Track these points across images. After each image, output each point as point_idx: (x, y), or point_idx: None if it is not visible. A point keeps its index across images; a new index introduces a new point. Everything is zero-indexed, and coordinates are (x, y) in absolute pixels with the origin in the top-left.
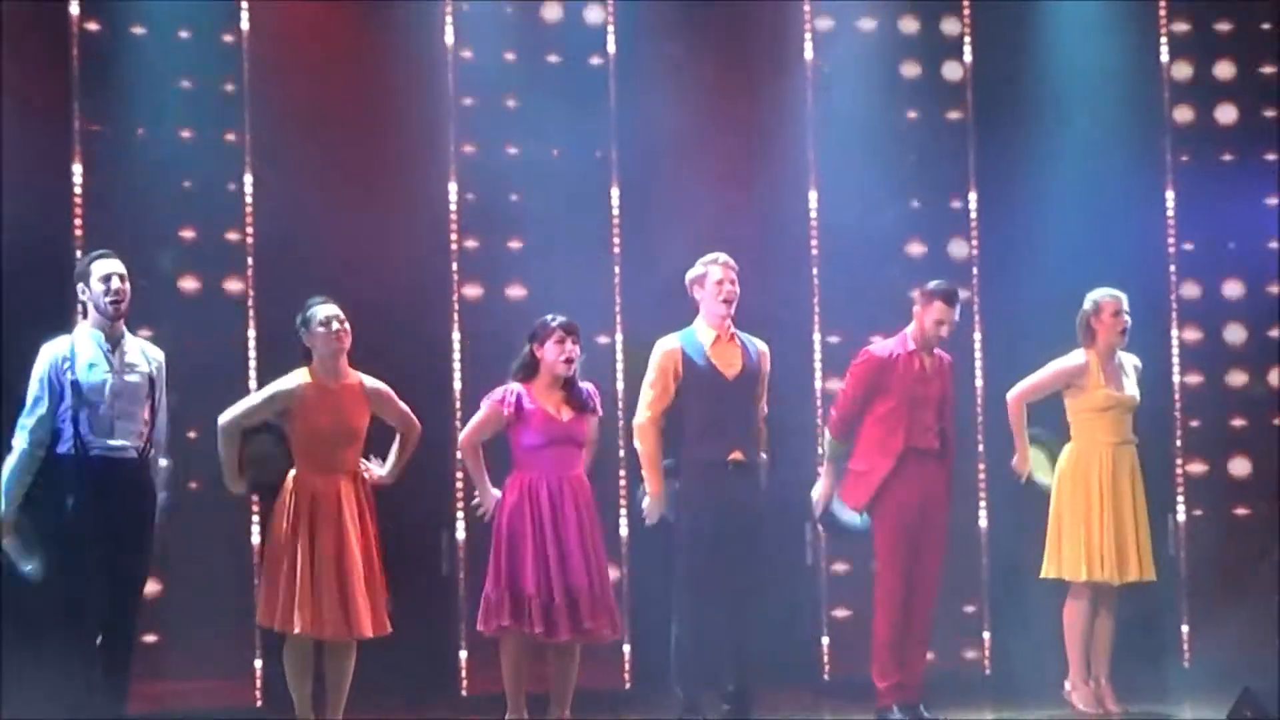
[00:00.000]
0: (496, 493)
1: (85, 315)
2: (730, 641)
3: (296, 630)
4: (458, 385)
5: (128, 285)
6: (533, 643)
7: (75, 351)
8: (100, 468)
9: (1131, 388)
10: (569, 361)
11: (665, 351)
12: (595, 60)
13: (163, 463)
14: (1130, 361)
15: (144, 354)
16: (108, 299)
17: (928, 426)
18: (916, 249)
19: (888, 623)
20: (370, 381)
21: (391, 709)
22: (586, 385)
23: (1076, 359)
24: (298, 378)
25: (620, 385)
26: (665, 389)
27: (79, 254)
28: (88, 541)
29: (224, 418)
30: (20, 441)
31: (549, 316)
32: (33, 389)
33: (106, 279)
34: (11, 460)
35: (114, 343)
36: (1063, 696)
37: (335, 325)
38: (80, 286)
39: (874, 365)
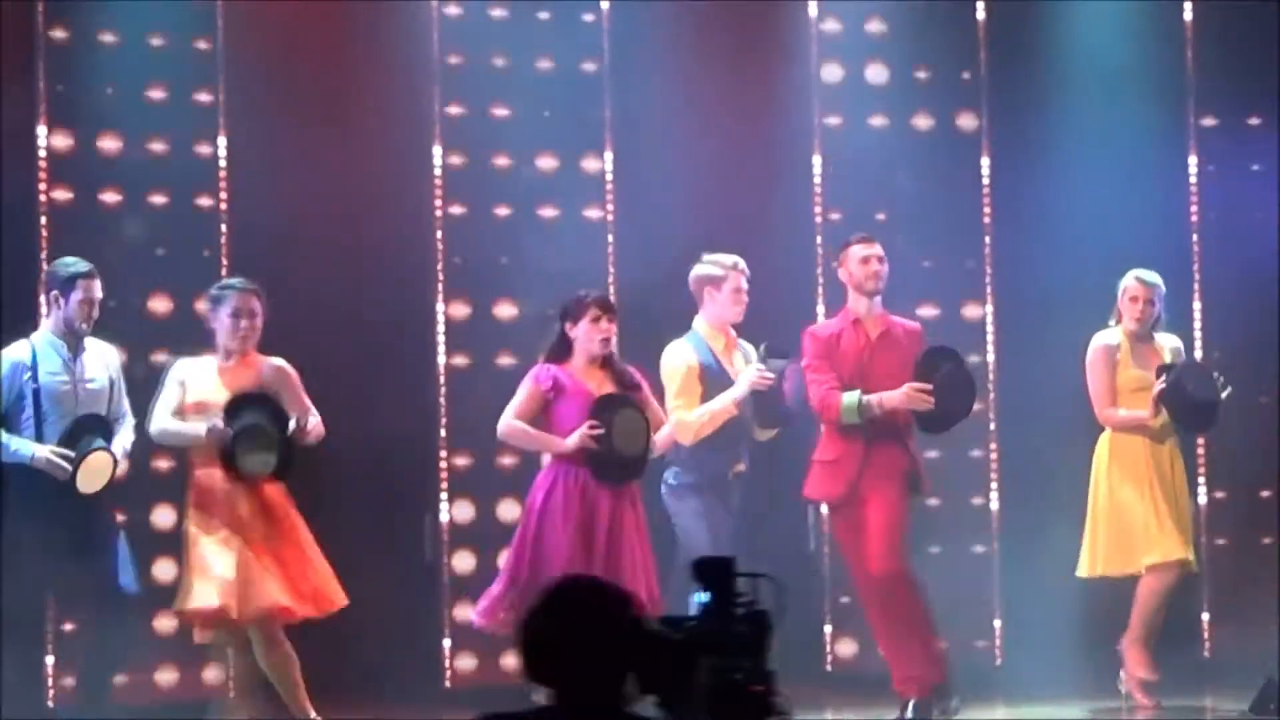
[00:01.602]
0: (569, 442)
1: (48, 315)
2: None
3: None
4: (441, 360)
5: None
6: None
7: (37, 359)
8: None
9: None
10: (605, 340)
11: (689, 365)
12: (588, 17)
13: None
14: (1169, 344)
15: (103, 359)
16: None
17: None
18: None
19: None
20: (274, 362)
21: (369, 701)
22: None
23: (1106, 338)
24: (197, 361)
25: None
26: (696, 395)
27: (44, 220)
28: (51, 552)
29: (154, 427)
30: None
31: (583, 292)
32: None
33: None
34: None
35: (75, 351)
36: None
37: (243, 323)
38: (55, 294)
39: (820, 342)
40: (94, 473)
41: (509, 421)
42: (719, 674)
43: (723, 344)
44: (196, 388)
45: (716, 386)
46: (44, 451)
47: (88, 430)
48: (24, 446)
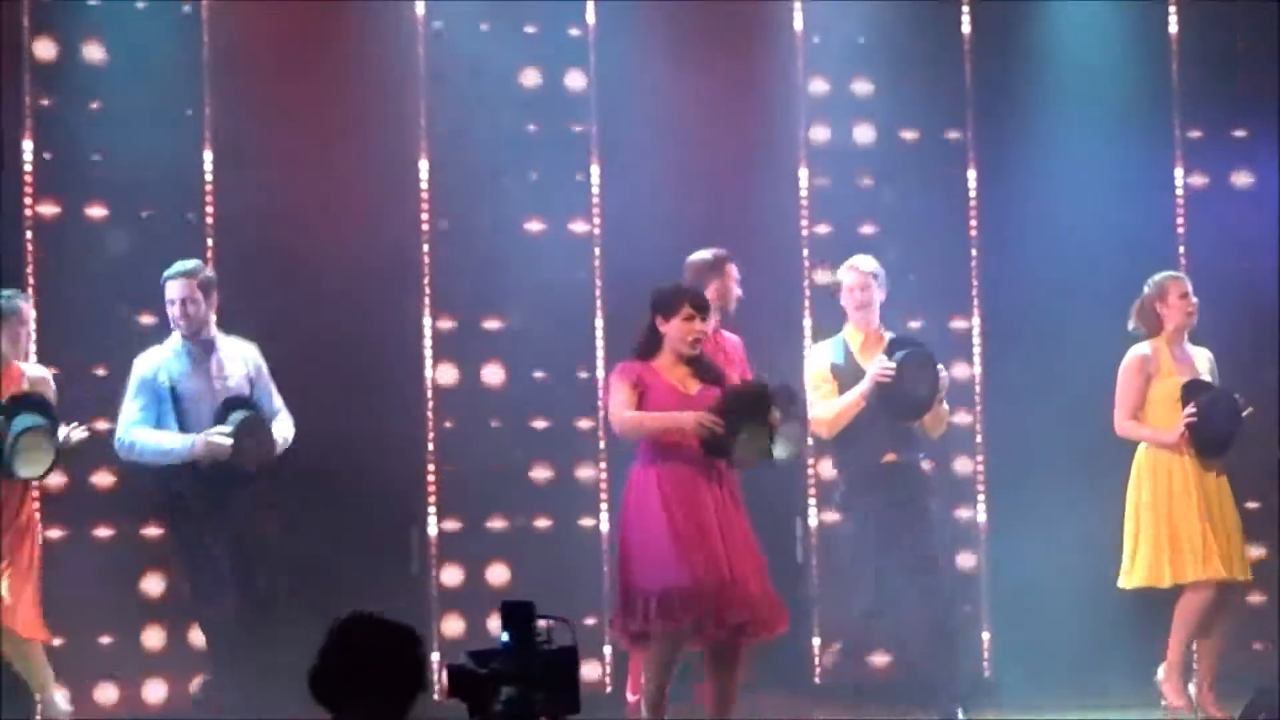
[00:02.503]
0: (688, 419)
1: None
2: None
3: None
4: (429, 374)
5: (198, 303)
6: (682, 643)
7: (169, 362)
8: (210, 474)
9: (1206, 376)
10: (696, 341)
11: (818, 365)
12: (574, 31)
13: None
14: (1204, 355)
15: (241, 357)
16: (180, 323)
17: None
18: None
19: None
20: (36, 370)
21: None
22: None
23: (1143, 349)
24: None
25: (600, 374)
26: (828, 392)
27: (29, 235)
28: (213, 545)
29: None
30: (134, 434)
31: (676, 285)
32: (131, 395)
33: (172, 303)
34: (143, 447)
35: (207, 350)
36: (1153, 682)
37: (23, 331)
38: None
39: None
40: (253, 440)
41: (624, 415)
42: (515, 704)
43: (860, 341)
44: None
45: (848, 382)
46: (199, 437)
47: (236, 409)
48: (178, 442)
